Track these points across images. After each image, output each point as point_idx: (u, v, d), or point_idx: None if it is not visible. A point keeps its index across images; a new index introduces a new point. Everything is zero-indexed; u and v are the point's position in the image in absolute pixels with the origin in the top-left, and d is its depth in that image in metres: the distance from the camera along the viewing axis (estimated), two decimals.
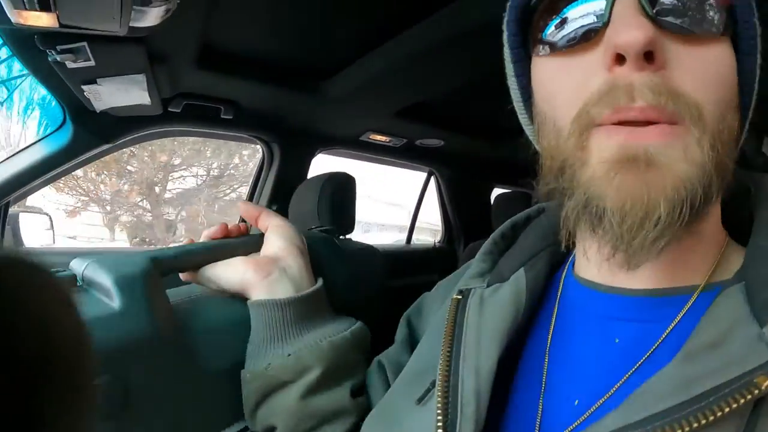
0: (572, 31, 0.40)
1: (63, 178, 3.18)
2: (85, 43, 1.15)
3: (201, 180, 8.13)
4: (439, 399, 0.42)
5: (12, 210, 1.80)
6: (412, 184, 3.25)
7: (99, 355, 0.38)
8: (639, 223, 0.35)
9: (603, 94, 0.37)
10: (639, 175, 0.35)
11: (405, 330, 0.65)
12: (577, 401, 0.41)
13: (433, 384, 0.45)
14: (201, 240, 0.67)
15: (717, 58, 0.39)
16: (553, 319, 0.48)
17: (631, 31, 0.35)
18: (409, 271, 2.50)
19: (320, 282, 0.65)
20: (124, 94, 1.47)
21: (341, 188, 1.72)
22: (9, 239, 1.78)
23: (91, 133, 1.67)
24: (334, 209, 1.67)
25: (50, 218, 2.01)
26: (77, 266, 0.52)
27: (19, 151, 1.65)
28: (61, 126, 1.63)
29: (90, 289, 0.50)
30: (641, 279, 0.42)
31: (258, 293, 0.60)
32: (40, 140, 1.65)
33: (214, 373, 0.57)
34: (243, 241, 0.67)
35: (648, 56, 0.36)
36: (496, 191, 3.18)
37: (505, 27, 0.48)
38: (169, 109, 1.69)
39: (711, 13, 0.38)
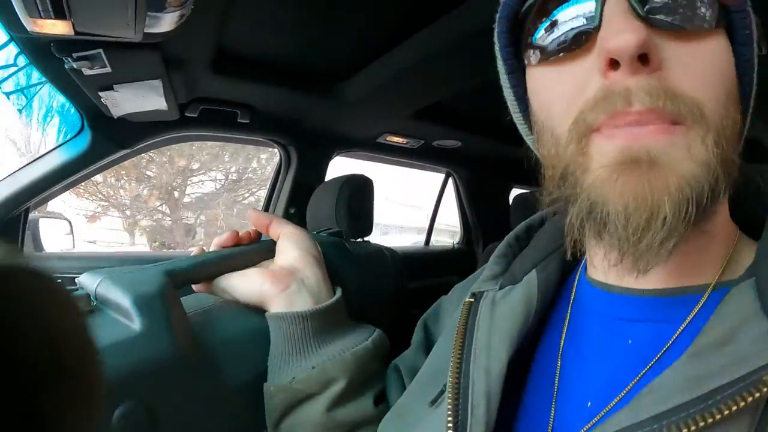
0: (562, 34, 0.40)
1: (82, 184, 3.22)
2: (101, 50, 1.15)
3: (219, 184, 8.27)
4: (450, 400, 0.42)
5: (32, 215, 1.83)
6: (430, 185, 3.23)
7: (123, 380, 0.41)
8: (644, 224, 0.35)
9: (599, 99, 0.37)
10: (642, 176, 0.35)
11: (421, 334, 0.65)
12: (589, 403, 0.41)
13: (445, 386, 0.45)
14: (212, 248, 0.66)
15: (713, 52, 0.38)
16: (566, 321, 0.47)
17: (623, 35, 0.35)
18: (428, 273, 2.49)
19: (339, 292, 0.64)
20: (141, 99, 1.47)
21: (359, 191, 1.71)
22: (29, 244, 1.81)
23: (109, 139, 1.68)
24: (352, 212, 1.66)
25: (70, 223, 2.03)
26: (89, 283, 0.51)
27: (39, 158, 1.67)
28: (79, 132, 1.65)
29: (105, 308, 0.49)
30: (652, 279, 0.41)
31: (277, 306, 0.60)
32: (59, 146, 1.67)
33: (236, 386, 0.56)
34: (255, 249, 0.66)
35: (642, 58, 0.35)
36: (515, 191, 3.16)
37: (496, 39, 0.48)
38: (186, 114, 1.69)
39: (703, 9, 0.37)
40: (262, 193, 7.24)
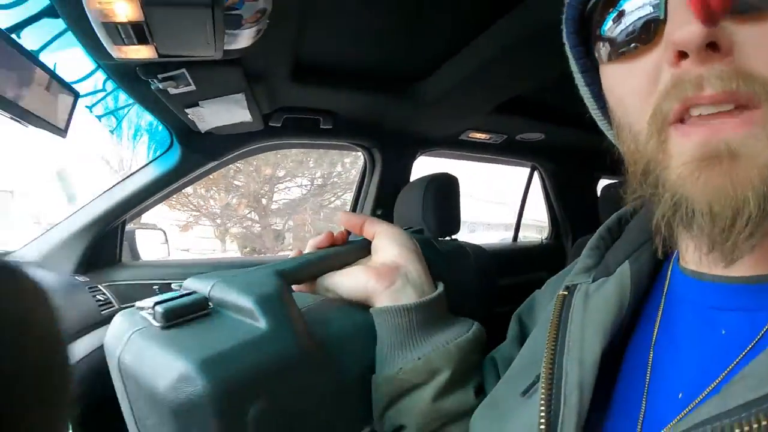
0: (630, 24, 0.39)
1: (174, 196, 3.38)
2: (184, 70, 1.18)
3: (306, 190, 8.48)
4: (543, 391, 0.43)
5: (129, 227, 1.92)
6: (516, 180, 3.15)
7: (255, 379, 0.43)
8: (730, 223, 0.34)
9: (670, 88, 0.36)
10: (723, 172, 0.34)
11: (516, 327, 0.66)
12: (680, 394, 0.40)
13: (538, 377, 0.45)
14: (307, 250, 0.67)
15: None
16: (660, 312, 0.47)
17: (688, 26, 0.33)
18: (517, 270, 2.44)
19: (441, 286, 0.65)
20: (226, 113, 1.50)
21: (444, 189, 1.69)
22: (127, 254, 1.90)
23: (197, 153, 1.74)
24: (439, 210, 1.64)
25: (164, 233, 2.12)
26: (201, 287, 0.51)
27: (132, 174, 1.75)
28: (169, 148, 1.71)
29: (223, 310, 0.50)
30: (742, 267, 0.40)
31: (382, 301, 0.60)
32: (150, 162, 1.74)
33: (347, 380, 0.57)
34: (351, 248, 0.67)
35: (712, 46, 0.34)
36: (603, 182, 3.03)
37: (565, 39, 0.48)
38: (270, 124, 1.72)
39: None
40: (348, 196, 7.40)
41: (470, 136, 2.21)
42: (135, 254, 1.95)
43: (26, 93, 0.94)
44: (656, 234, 0.41)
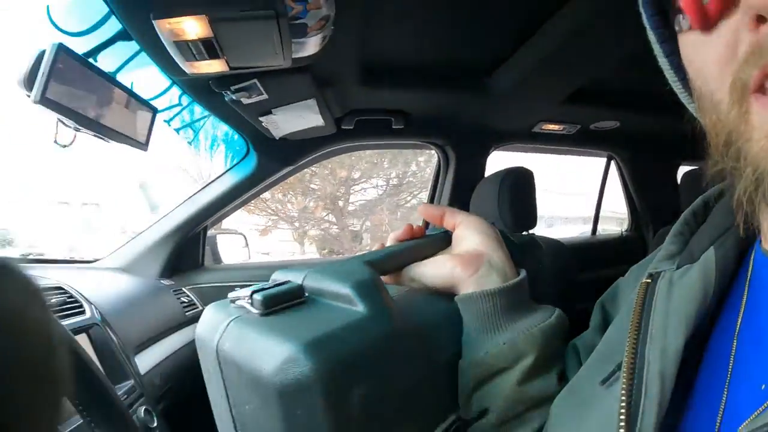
0: None
1: (253, 201, 3.49)
2: (255, 80, 1.20)
3: (381, 190, 8.57)
4: (624, 380, 0.42)
5: (210, 232, 2.00)
6: (593, 171, 3.02)
7: (356, 361, 0.43)
8: None
9: (749, 55, 0.34)
10: None
11: (599, 315, 0.65)
12: (763, 386, 0.38)
13: (619, 366, 0.45)
14: (389, 243, 0.68)
15: None
16: (744, 300, 0.44)
17: None
18: (597, 264, 2.34)
19: (523, 272, 0.65)
20: (299, 119, 1.52)
21: (520, 183, 1.64)
22: (209, 258, 1.98)
23: (273, 159, 1.78)
24: (515, 205, 1.60)
25: (245, 237, 2.19)
26: (292, 278, 0.53)
27: (211, 182, 1.82)
28: (245, 156, 1.76)
29: (320, 298, 0.51)
30: None
31: (467, 288, 0.60)
32: (228, 170, 1.80)
33: (435, 367, 0.57)
34: (431, 240, 0.67)
35: None
36: (683, 169, 2.81)
37: (641, 9, 0.45)
38: (343, 127, 1.73)
39: None
40: (424, 195, 7.44)
41: (543, 128, 2.14)
42: (217, 258, 2.04)
43: (107, 112, 0.98)
44: (738, 210, 0.39)
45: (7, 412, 0.17)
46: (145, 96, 1.13)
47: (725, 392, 0.41)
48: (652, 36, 0.47)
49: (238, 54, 1.00)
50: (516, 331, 0.59)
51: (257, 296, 0.45)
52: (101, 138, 1.02)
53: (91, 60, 0.91)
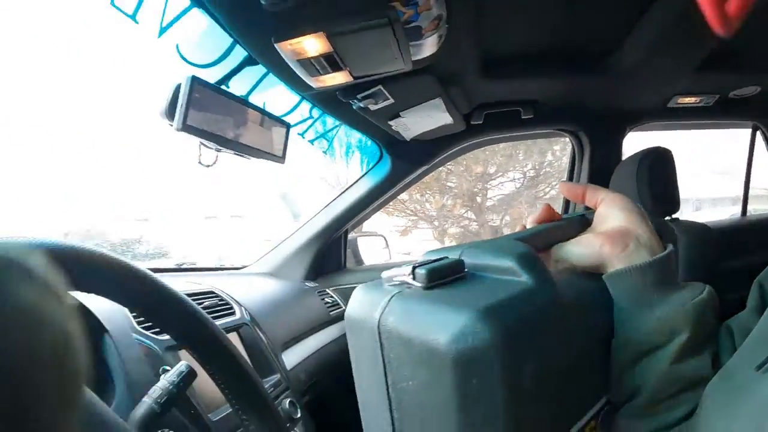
0: None
1: (391, 203, 3.57)
2: (380, 86, 1.23)
3: (519, 183, 8.35)
4: None
5: (351, 235, 2.09)
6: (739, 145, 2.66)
7: (525, 330, 0.42)
8: None
9: None
10: None
11: (756, 295, 0.62)
12: None
13: None
14: (528, 225, 0.67)
15: None
16: None
17: None
18: (748, 248, 2.07)
19: (671, 246, 0.62)
20: (428, 119, 1.53)
21: (659, 164, 1.52)
22: (351, 260, 2.06)
23: (406, 161, 1.81)
24: (654, 188, 1.49)
25: (385, 239, 2.25)
26: (450, 256, 0.54)
27: (349, 188, 1.89)
28: (379, 160, 1.82)
29: (479, 272, 0.51)
30: None
31: (616, 266, 0.59)
32: (364, 175, 1.87)
33: (590, 345, 0.56)
34: (570, 222, 0.66)
35: None
36: None
37: None
38: (472, 123, 1.71)
39: None
40: None
41: (679, 102, 1.95)
42: (358, 260, 2.12)
43: (244, 131, 1.07)
44: None
45: (22, 407, 0.17)
46: (277, 113, 1.20)
47: None
48: None
49: (360, 63, 1.03)
50: (669, 306, 0.56)
51: (420, 270, 0.45)
52: (241, 156, 1.11)
53: (223, 86, 1.00)
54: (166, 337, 0.94)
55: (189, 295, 0.67)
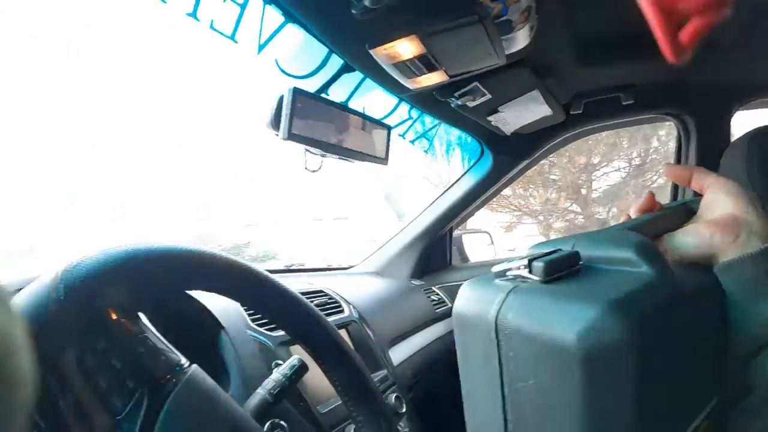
0: None
1: (495, 199, 3.51)
2: (476, 83, 1.23)
3: (624, 173, 7.90)
4: None
5: (455, 233, 2.09)
6: None
7: (652, 323, 0.41)
8: None
9: None
10: None
11: None
12: None
13: None
14: (632, 214, 0.65)
15: None
16: None
17: None
18: None
19: None
20: (526, 112, 1.51)
21: None
22: (456, 257, 2.07)
23: (507, 155, 1.79)
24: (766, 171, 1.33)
25: (490, 235, 2.23)
26: (564, 246, 0.52)
27: (452, 186, 1.90)
28: (480, 156, 1.81)
29: (594, 264, 0.49)
30: None
31: (728, 256, 0.56)
32: (466, 172, 1.87)
33: (704, 340, 0.53)
34: (675, 210, 0.63)
35: None
36: None
37: None
38: (572, 113, 1.66)
39: None
40: None
41: None
42: (464, 257, 2.12)
43: (346, 136, 1.11)
44: None
45: None
46: (377, 116, 1.24)
47: None
48: None
49: (454, 62, 1.04)
50: None
51: (538, 263, 0.44)
52: (345, 159, 1.16)
53: (323, 95, 1.05)
54: (279, 333, 1.01)
55: (301, 294, 0.72)
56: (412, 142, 1.52)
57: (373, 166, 1.26)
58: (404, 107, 1.35)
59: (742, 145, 1.37)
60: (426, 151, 1.65)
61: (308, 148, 1.03)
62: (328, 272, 1.84)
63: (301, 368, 0.75)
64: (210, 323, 0.92)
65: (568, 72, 1.41)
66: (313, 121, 1.00)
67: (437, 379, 1.51)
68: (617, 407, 0.38)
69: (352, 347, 0.76)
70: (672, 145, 2.08)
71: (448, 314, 1.78)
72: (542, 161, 2.20)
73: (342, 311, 1.29)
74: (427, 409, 1.41)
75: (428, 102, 1.31)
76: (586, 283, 0.44)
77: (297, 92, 0.96)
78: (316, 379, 0.84)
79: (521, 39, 1.03)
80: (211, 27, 0.90)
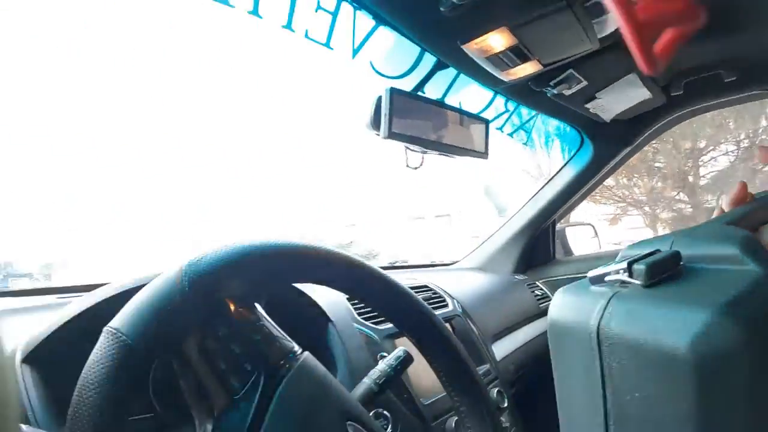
0: None
1: (598, 190, 3.37)
2: (571, 70, 1.22)
3: (733, 156, 7.25)
4: None
5: (558, 226, 2.06)
6: None
7: (765, 325, 0.38)
8: None
9: None
10: None
11: None
12: None
13: None
14: (725, 207, 0.62)
15: None
16: None
17: None
18: None
19: None
20: (625, 96, 1.47)
21: None
22: (559, 251, 2.03)
23: (608, 143, 1.73)
24: None
25: (593, 228, 2.17)
26: (655, 248, 0.52)
27: (552, 177, 1.87)
28: (580, 146, 1.77)
29: (695, 264, 0.48)
30: None
31: None
32: (567, 163, 1.83)
33: None
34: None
35: None
36: None
37: None
38: (672, 94, 1.58)
39: None
40: None
41: None
42: (567, 250, 2.07)
43: (445, 132, 1.14)
44: None
45: None
46: (474, 111, 1.26)
47: None
48: None
49: (547, 50, 1.05)
50: None
51: (638, 266, 0.43)
52: (446, 155, 1.19)
53: (419, 93, 1.09)
54: (384, 326, 1.05)
55: None
56: (510, 134, 1.52)
57: (472, 161, 1.27)
58: (500, 100, 1.36)
59: None
60: (525, 143, 1.64)
61: (408, 145, 1.07)
62: (431, 268, 1.86)
63: (406, 359, 0.76)
64: (319, 317, 0.97)
65: None
66: (411, 119, 1.03)
67: (539, 376, 1.50)
68: (733, 420, 0.36)
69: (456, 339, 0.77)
70: None
71: None
72: (645, 148, 2.11)
73: (446, 306, 1.31)
74: (528, 405, 1.40)
75: (524, 93, 1.30)
76: (690, 285, 0.42)
77: (394, 92, 0.99)
78: (421, 373, 0.86)
79: (613, 21, 1.00)
80: (306, 36, 0.95)
